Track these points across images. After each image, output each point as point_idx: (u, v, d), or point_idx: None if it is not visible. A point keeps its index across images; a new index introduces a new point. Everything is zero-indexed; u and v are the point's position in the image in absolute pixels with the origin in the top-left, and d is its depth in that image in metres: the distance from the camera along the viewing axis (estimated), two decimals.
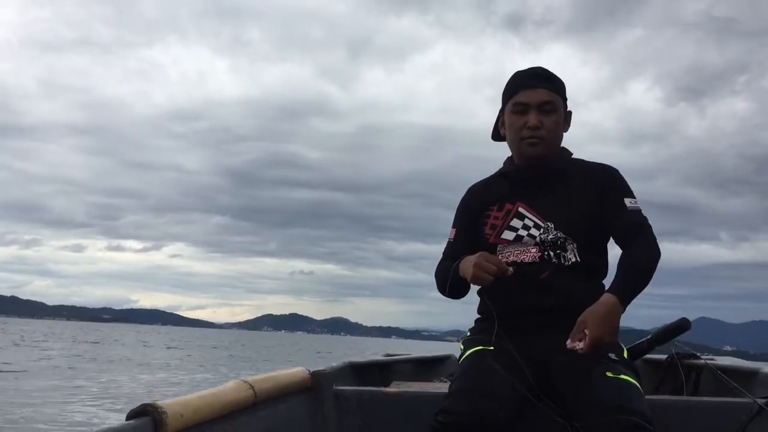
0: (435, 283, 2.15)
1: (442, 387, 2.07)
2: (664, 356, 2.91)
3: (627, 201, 1.98)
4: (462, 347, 2.04)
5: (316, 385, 2.13)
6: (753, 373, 2.56)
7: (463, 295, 2.10)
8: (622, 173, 2.06)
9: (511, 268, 1.90)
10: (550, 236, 1.96)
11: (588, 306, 1.88)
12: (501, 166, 2.16)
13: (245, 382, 1.81)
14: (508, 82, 2.07)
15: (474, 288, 2.06)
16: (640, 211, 1.99)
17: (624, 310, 1.82)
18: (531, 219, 1.99)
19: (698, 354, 2.86)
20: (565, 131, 2.09)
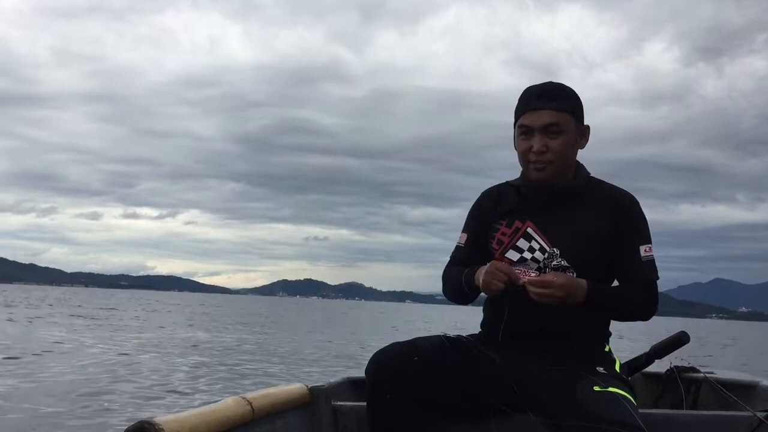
0: (442, 286, 2.14)
1: None
2: (663, 370, 2.87)
3: (642, 248, 1.92)
4: None
5: (314, 400, 2.11)
6: (752, 387, 2.56)
7: (470, 301, 2.08)
8: (641, 208, 1.99)
9: (523, 279, 1.85)
10: (554, 263, 1.92)
11: (580, 328, 1.93)
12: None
13: (243, 398, 1.80)
14: (518, 101, 1.99)
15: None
16: (654, 262, 1.93)
17: (584, 298, 1.81)
18: (538, 242, 1.94)
19: (697, 368, 2.84)
20: (582, 147, 1.99)
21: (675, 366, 2.83)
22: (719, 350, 22.36)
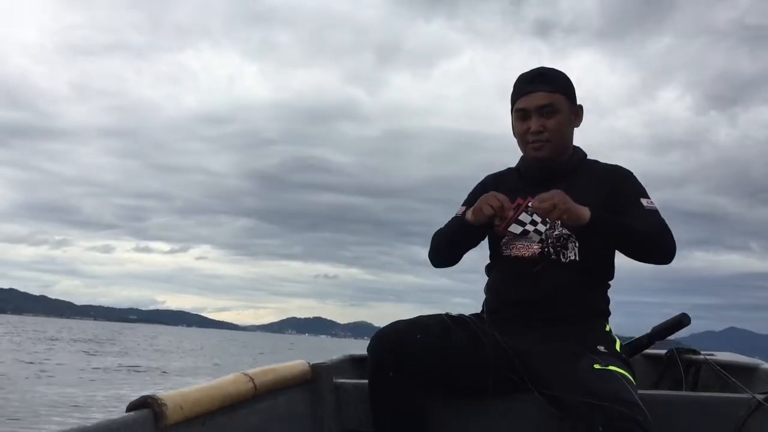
0: (429, 249, 2.16)
1: None
2: (663, 351, 2.87)
3: (644, 201, 1.98)
4: None
5: (316, 377, 2.13)
6: (752, 369, 2.54)
7: (456, 258, 2.13)
8: (636, 175, 2.06)
9: (512, 212, 1.90)
10: (555, 232, 1.98)
11: (579, 300, 1.96)
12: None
13: (245, 374, 1.81)
14: (513, 87, 2.10)
15: (481, 283, 2.10)
16: (658, 212, 1.97)
17: (588, 219, 1.81)
18: (539, 215, 1.98)
19: (698, 349, 2.82)
20: (577, 126, 2.09)
21: (675, 348, 2.82)
22: None
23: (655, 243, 1.92)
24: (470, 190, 2.24)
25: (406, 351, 1.85)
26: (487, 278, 2.14)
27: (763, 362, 2.59)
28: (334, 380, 2.15)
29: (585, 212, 1.83)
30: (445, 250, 2.14)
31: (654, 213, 1.96)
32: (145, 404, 1.43)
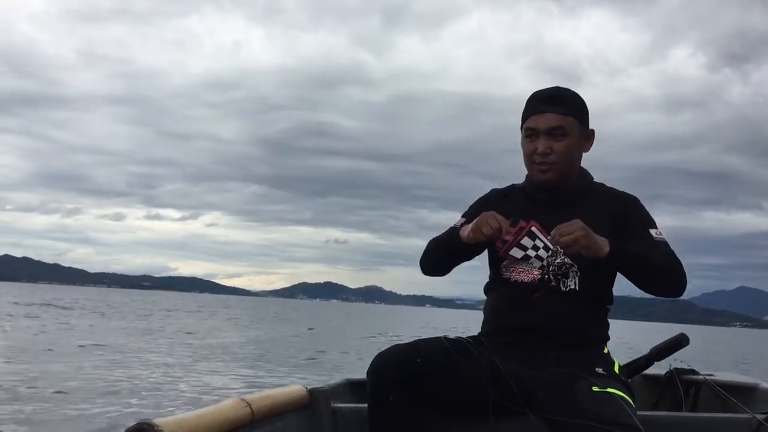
0: (421, 257, 2.13)
1: None
2: (662, 372, 2.86)
3: (653, 232, 1.94)
4: None
5: (313, 402, 2.11)
6: (752, 389, 2.56)
7: (446, 270, 2.12)
8: (642, 203, 2.02)
9: (512, 236, 1.87)
10: (557, 260, 1.93)
11: (577, 328, 1.93)
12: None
13: (242, 400, 1.81)
14: (525, 105, 2.04)
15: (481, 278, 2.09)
16: (668, 243, 1.93)
17: (608, 252, 1.78)
18: (542, 240, 1.95)
19: (697, 370, 2.82)
20: (586, 151, 2.04)
21: (674, 368, 2.82)
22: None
23: (668, 277, 1.88)
24: (474, 201, 2.19)
25: (407, 374, 1.84)
26: (486, 298, 2.10)
27: (762, 382, 2.62)
28: (332, 405, 2.14)
29: (605, 245, 1.79)
30: (438, 260, 2.11)
31: (664, 245, 1.92)
32: (141, 430, 1.41)
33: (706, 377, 2.69)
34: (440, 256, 2.09)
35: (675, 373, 2.78)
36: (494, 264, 2.06)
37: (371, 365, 1.89)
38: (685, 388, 2.72)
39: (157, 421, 1.44)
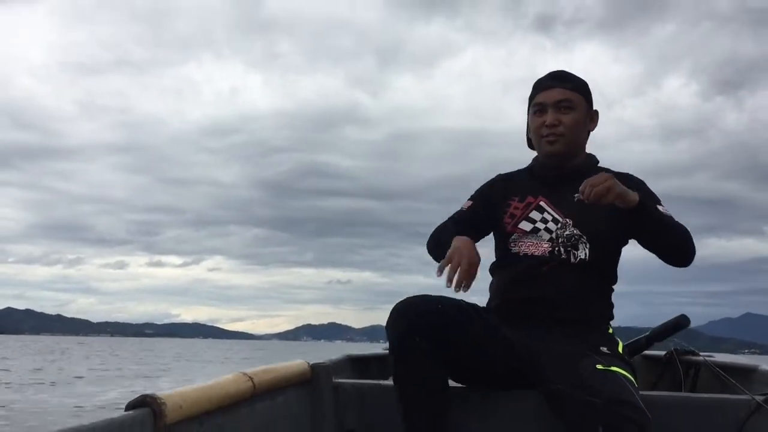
0: (429, 238, 2.16)
1: None
2: (662, 352, 2.89)
3: (660, 208, 1.98)
4: None
5: (315, 377, 2.13)
6: (751, 370, 2.54)
7: (438, 254, 2.07)
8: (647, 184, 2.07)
9: (463, 289, 1.85)
10: (566, 232, 1.97)
11: (585, 302, 1.95)
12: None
13: (244, 374, 1.81)
14: (532, 88, 2.12)
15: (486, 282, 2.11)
16: (673, 217, 1.98)
17: (636, 202, 1.83)
18: (550, 213, 2.00)
19: (696, 351, 2.83)
20: (592, 130, 2.10)
21: (675, 349, 2.83)
22: None
23: (685, 241, 1.94)
24: (480, 185, 2.23)
25: (429, 319, 1.77)
26: (492, 277, 2.11)
27: (761, 363, 2.58)
28: (333, 380, 2.15)
29: (634, 195, 1.84)
30: (441, 253, 2.05)
31: (671, 218, 1.97)
32: (145, 403, 1.42)
33: (706, 358, 2.69)
34: (442, 250, 2.05)
35: (675, 354, 2.80)
36: (502, 240, 2.08)
37: (394, 311, 1.82)
38: (684, 369, 2.72)
39: (160, 393, 1.46)
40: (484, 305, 2.10)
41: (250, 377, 1.80)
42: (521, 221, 2.02)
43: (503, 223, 2.05)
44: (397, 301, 1.85)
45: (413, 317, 1.77)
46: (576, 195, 1.93)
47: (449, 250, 1.89)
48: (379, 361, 2.91)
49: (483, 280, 2.13)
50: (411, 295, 1.87)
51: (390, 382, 2.23)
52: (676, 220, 1.97)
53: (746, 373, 2.53)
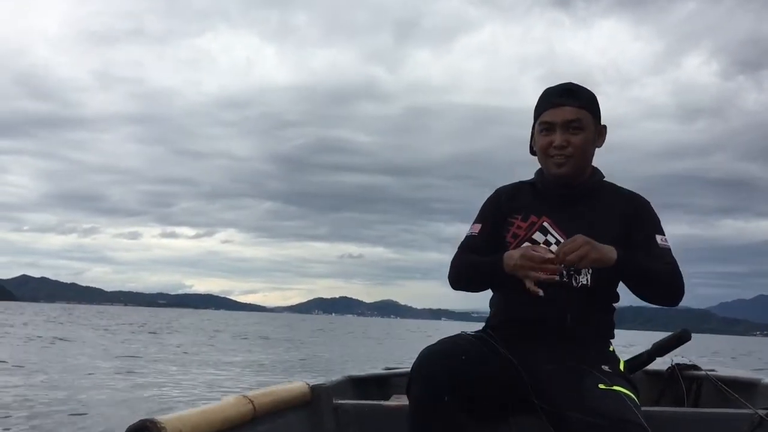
0: (449, 272, 2.08)
1: None
2: (664, 368, 2.86)
3: (658, 238, 1.95)
4: None
5: (315, 399, 2.13)
6: (754, 384, 2.54)
7: (482, 290, 2.07)
8: (653, 206, 2.04)
9: (559, 266, 1.81)
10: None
11: (587, 325, 1.94)
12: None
13: (244, 397, 1.81)
14: (538, 100, 2.05)
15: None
16: (671, 251, 1.95)
17: (615, 260, 1.80)
18: (554, 235, 1.97)
19: (699, 365, 2.81)
20: (599, 146, 2.04)
21: (676, 364, 2.81)
22: None
23: (668, 288, 1.91)
24: (482, 204, 2.16)
25: (457, 374, 1.76)
26: (494, 294, 2.08)
27: (764, 378, 2.59)
28: (334, 401, 2.15)
29: (612, 252, 1.81)
30: (477, 288, 2.06)
31: (668, 253, 1.94)
32: (145, 427, 1.42)
33: (708, 373, 2.69)
34: (483, 282, 2.04)
35: (677, 369, 2.78)
36: None
37: (419, 366, 1.79)
38: (687, 384, 2.71)
39: (160, 418, 1.46)
40: (485, 323, 2.09)
41: (250, 400, 1.81)
42: (523, 243, 1.97)
43: (506, 242, 2.01)
44: (423, 350, 1.82)
45: (441, 372, 1.75)
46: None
47: (515, 265, 1.84)
48: (380, 381, 2.90)
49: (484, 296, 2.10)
50: (436, 342, 1.86)
51: (390, 402, 2.22)
52: (671, 257, 1.93)
53: (749, 387, 2.52)
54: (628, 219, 1.97)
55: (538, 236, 1.97)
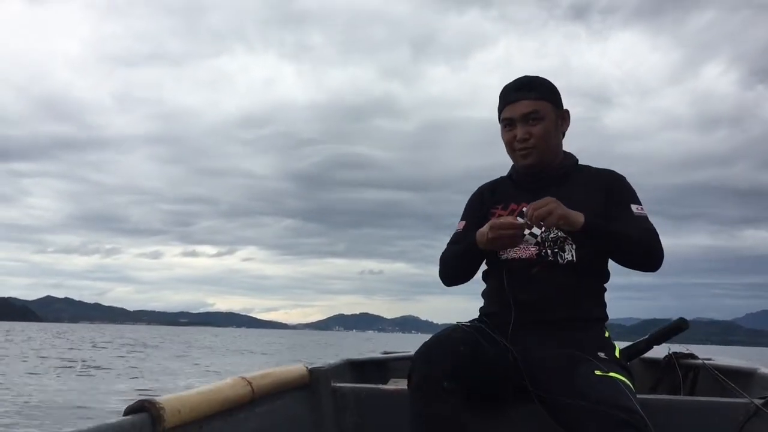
0: (439, 269, 2.15)
1: None
2: (661, 356, 2.88)
3: (633, 207, 2.00)
4: None
5: (313, 382, 2.14)
6: (750, 374, 2.55)
7: (469, 277, 2.12)
8: (629, 181, 2.08)
9: (523, 220, 1.88)
10: (551, 235, 1.99)
11: (577, 302, 1.96)
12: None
13: (243, 378, 1.82)
14: (498, 98, 2.12)
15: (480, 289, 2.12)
16: (647, 218, 2.00)
17: (583, 223, 1.85)
18: None
19: (696, 354, 2.83)
20: (564, 131, 2.12)
21: (673, 352, 2.83)
22: None
23: (643, 250, 1.94)
24: (467, 202, 2.24)
25: (456, 362, 1.80)
26: (485, 284, 2.13)
27: (760, 367, 2.60)
28: (332, 384, 2.17)
29: (579, 217, 1.86)
30: (462, 274, 2.12)
31: (644, 219, 1.98)
32: (143, 408, 1.44)
33: (705, 361, 2.70)
34: (465, 266, 2.10)
35: (674, 357, 2.80)
36: None
37: (420, 354, 1.84)
38: (683, 372, 2.72)
39: (159, 399, 1.46)
40: (478, 313, 2.11)
41: (249, 382, 1.81)
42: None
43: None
44: (422, 344, 1.88)
45: (441, 361, 1.79)
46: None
47: (487, 239, 1.90)
48: (378, 365, 2.91)
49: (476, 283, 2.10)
50: (431, 337, 1.92)
51: (388, 386, 2.23)
52: (647, 223, 1.96)
53: (745, 377, 2.53)
54: (604, 193, 2.01)
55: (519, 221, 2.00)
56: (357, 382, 2.23)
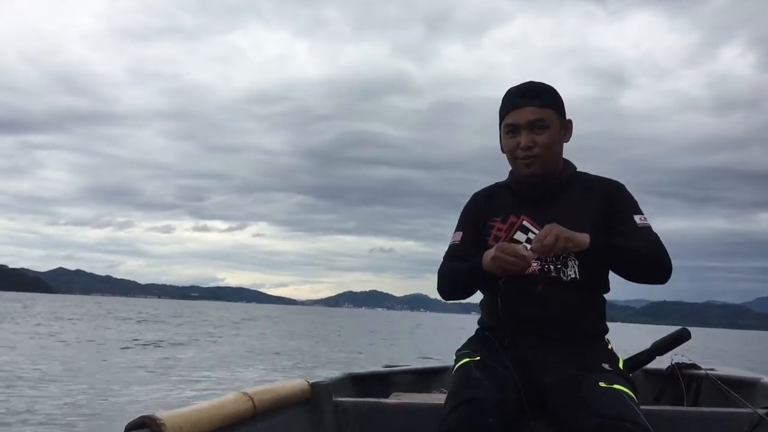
0: (437, 284, 2.10)
1: (441, 398, 1.96)
2: (664, 367, 2.85)
3: (637, 218, 1.96)
4: (455, 359, 2.01)
5: (315, 396, 2.12)
6: (753, 383, 2.54)
7: (469, 296, 2.09)
8: (628, 189, 2.05)
9: (530, 253, 1.80)
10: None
11: (583, 319, 1.94)
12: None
13: (245, 394, 1.81)
14: (501, 101, 2.06)
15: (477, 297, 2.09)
16: (651, 228, 1.96)
17: (588, 243, 1.82)
18: (534, 233, 1.96)
19: (698, 364, 2.80)
20: (566, 141, 2.06)
21: (676, 363, 2.80)
22: None
23: (651, 264, 1.91)
24: (461, 211, 2.17)
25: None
26: (483, 296, 2.08)
27: (764, 377, 2.59)
28: (334, 399, 2.14)
29: (585, 238, 1.83)
30: (463, 293, 2.07)
31: (647, 230, 1.94)
32: (144, 424, 1.42)
33: (708, 372, 2.68)
34: (467, 288, 2.05)
35: (676, 368, 2.77)
36: None
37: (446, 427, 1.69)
38: (686, 383, 2.70)
39: (160, 415, 1.45)
40: (477, 324, 2.09)
41: (250, 397, 1.80)
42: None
43: (488, 246, 1.97)
44: (450, 413, 1.72)
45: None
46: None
47: (494, 266, 1.82)
48: (380, 379, 2.89)
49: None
50: (457, 404, 1.72)
51: (390, 400, 2.22)
52: (652, 234, 1.92)
53: (748, 387, 2.53)
54: (604, 204, 1.97)
55: (519, 236, 1.98)
56: (359, 396, 2.21)
